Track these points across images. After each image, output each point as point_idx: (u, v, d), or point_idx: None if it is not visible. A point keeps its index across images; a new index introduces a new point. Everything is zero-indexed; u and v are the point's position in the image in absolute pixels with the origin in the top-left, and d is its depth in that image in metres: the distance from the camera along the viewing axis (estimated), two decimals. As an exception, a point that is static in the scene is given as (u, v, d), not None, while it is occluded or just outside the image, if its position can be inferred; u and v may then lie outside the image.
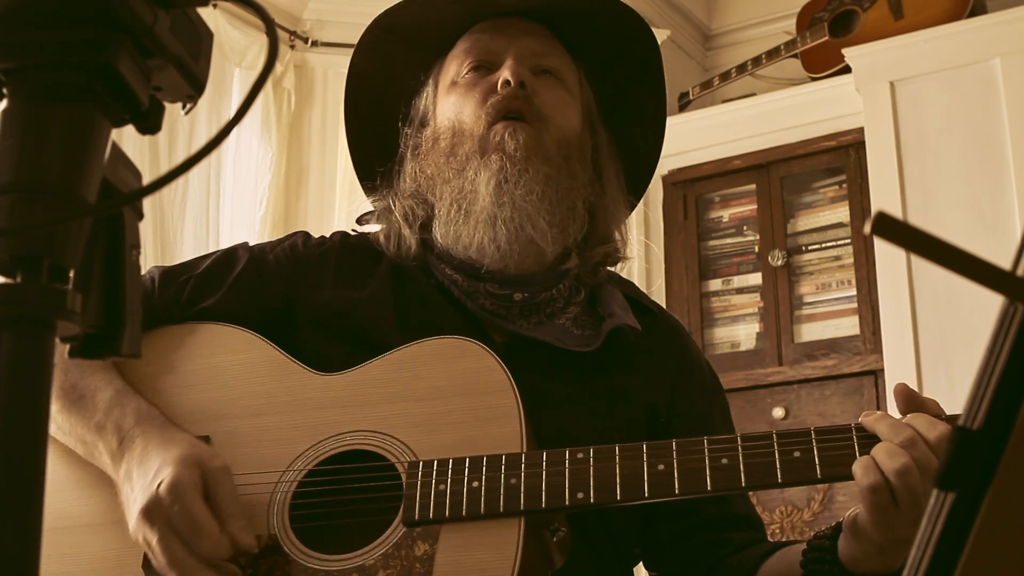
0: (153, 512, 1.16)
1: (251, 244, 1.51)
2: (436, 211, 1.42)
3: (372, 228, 1.52)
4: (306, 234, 1.53)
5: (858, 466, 1.11)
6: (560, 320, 1.41)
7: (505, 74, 1.40)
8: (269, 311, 1.42)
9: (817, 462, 1.15)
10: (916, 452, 1.09)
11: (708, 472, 1.17)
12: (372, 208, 1.53)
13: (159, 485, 1.17)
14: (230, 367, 1.36)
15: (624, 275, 1.59)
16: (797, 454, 1.16)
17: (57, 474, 1.32)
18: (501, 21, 1.48)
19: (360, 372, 1.31)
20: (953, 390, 3.18)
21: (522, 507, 1.18)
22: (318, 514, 1.25)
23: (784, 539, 2.59)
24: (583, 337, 1.39)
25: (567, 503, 1.18)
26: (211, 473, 1.20)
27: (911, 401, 1.16)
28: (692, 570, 1.38)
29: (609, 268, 1.51)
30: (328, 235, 1.53)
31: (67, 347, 0.66)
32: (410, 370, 1.29)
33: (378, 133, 1.54)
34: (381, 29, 1.49)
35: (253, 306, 1.42)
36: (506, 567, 1.15)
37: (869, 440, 1.14)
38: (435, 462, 1.22)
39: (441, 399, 1.26)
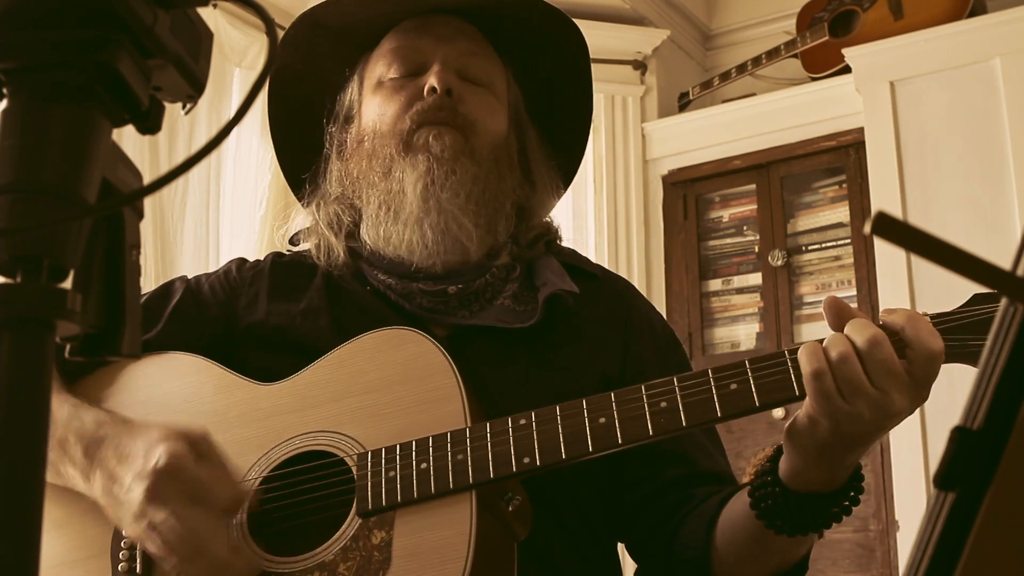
0: (161, 490, 1.16)
1: (188, 277, 1.52)
2: (363, 214, 1.43)
3: (305, 246, 1.53)
4: (241, 259, 1.54)
5: (803, 352, 1.10)
6: (499, 301, 1.41)
7: (431, 80, 1.39)
8: (210, 337, 1.43)
9: (754, 391, 1.15)
10: (849, 347, 1.08)
11: (648, 417, 1.17)
12: (300, 228, 1.53)
13: (155, 464, 1.17)
14: (177, 392, 1.37)
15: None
16: (734, 386, 1.15)
17: None
18: (429, 19, 1.45)
19: (303, 376, 1.33)
20: (953, 390, 3.18)
21: (471, 480, 1.19)
22: (276, 519, 1.26)
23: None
24: (524, 313, 1.39)
25: (515, 470, 1.19)
26: (196, 442, 1.20)
27: (842, 314, 1.14)
28: (659, 531, 1.35)
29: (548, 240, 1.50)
30: (262, 258, 1.54)
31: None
32: (351, 366, 1.31)
33: (304, 130, 1.53)
34: (307, 25, 1.47)
35: (194, 335, 1.43)
36: (462, 541, 1.15)
37: None
38: (383, 450, 1.23)
39: (384, 390, 1.27)
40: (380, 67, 1.45)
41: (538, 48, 1.51)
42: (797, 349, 1.14)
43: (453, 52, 1.43)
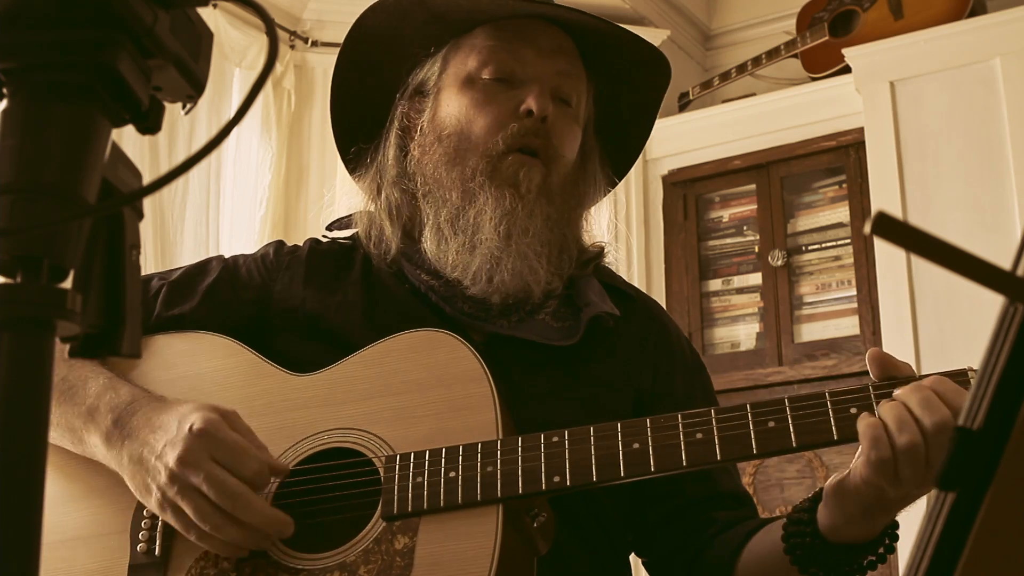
0: (193, 453, 1.18)
1: (225, 256, 1.52)
2: (426, 218, 1.40)
3: (346, 233, 1.51)
4: (279, 242, 1.53)
5: (866, 435, 1.08)
6: (539, 316, 1.40)
7: (530, 103, 1.37)
8: (243, 318, 1.43)
9: (792, 431, 1.14)
10: (917, 435, 1.07)
11: (683, 447, 1.16)
12: (342, 215, 1.52)
13: (189, 427, 1.19)
14: (208, 375, 1.36)
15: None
16: (771, 424, 1.15)
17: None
18: (531, 26, 1.42)
19: (335, 370, 1.32)
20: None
21: (499, 494, 1.18)
22: (299, 514, 1.25)
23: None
24: (563, 330, 1.39)
25: (544, 488, 1.18)
26: (227, 416, 1.23)
27: (886, 366, 1.14)
28: (680, 553, 1.36)
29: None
30: (300, 243, 1.53)
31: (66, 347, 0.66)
32: (385, 365, 1.30)
33: (368, 96, 1.50)
34: (412, 2, 1.42)
35: (227, 314, 1.43)
36: (485, 555, 1.15)
37: (842, 406, 1.13)
38: (412, 455, 1.23)
39: (416, 391, 1.27)
40: (473, 61, 1.41)
41: (626, 75, 1.50)
42: (837, 391, 1.14)
43: (551, 70, 1.40)
